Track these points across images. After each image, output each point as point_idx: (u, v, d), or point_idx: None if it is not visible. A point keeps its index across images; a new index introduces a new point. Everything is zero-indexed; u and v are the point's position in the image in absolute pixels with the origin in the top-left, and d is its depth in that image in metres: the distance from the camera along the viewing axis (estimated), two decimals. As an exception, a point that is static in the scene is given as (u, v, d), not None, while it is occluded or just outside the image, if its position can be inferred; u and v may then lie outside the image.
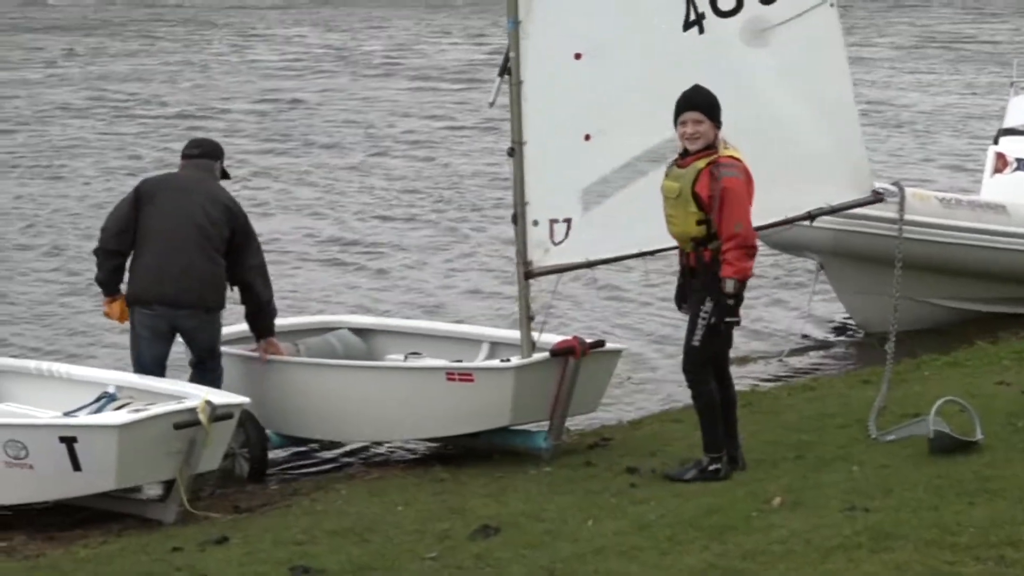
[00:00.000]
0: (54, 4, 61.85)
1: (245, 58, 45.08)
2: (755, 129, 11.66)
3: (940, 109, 35.34)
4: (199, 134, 30.21)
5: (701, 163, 10.70)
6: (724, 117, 11.04)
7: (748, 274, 10.74)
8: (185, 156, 12.58)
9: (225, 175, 12.63)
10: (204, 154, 12.51)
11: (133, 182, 25.62)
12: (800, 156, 11.95)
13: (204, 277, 12.02)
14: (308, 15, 58.02)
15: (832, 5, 11.89)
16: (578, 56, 11.74)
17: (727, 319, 10.76)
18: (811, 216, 12.29)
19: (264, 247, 12.65)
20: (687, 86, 10.91)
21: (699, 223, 10.72)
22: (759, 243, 17.31)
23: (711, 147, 10.73)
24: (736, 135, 11.28)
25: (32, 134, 32.08)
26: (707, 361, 10.98)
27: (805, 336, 17.84)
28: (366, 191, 26.40)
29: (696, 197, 10.67)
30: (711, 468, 10.94)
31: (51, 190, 26.41)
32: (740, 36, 11.75)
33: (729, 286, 10.66)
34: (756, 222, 11.74)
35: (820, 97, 12.01)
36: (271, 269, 12.66)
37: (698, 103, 10.79)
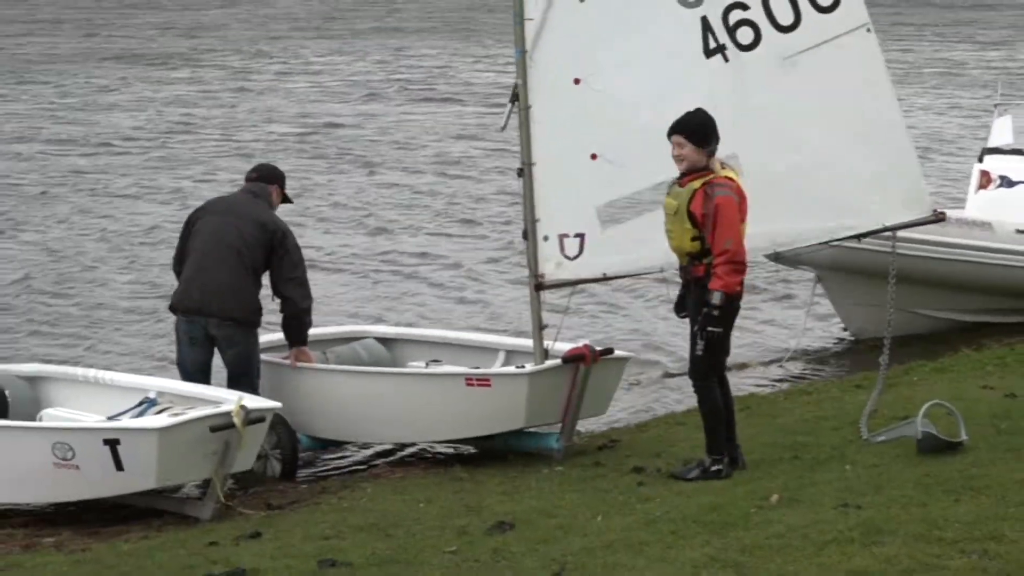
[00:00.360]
0: (109, 35, 62.24)
1: (287, 84, 45.30)
2: (793, 153, 11.59)
3: (936, 130, 35.38)
4: (244, 154, 31.25)
5: (697, 183, 10.69)
6: (759, 142, 11.20)
7: (734, 289, 10.68)
8: (246, 179, 12.69)
9: (286, 199, 12.68)
10: (260, 178, 12.58)
11: (185, 197, 26.26)
12: (843, 178, 11.64)
13: (229, 290, 12.04)
14: (345, 44, 58.24)
15: (869, 30, 11.54)
16: (577, 81, 11.72)
17: (709, 328, 10.71)
18: (859, 237, 12.11)
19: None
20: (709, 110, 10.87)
21: (693, 239, 10.73)
22: (762, 257, 17.64)
23: (706, 168, 10.70)
24: (773, 159, 11.36)
25: (98, 155, 32.34)
26: (710, 369, 10.95)
27: (802, 344, 17.81)
28: (396, 207, 26.49)
29: (691, 215, 10.67)
30: (713, 468, 10.91)
31: (115, 207, 26.67)
32: (767, 65, 11.58)
33: (715, 298, 10.63)
34: (805, 242, 11.94)
35: (862, 120, 11.68)
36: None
37: (681, 127, 10.79)
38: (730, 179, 10.71)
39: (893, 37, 58.86)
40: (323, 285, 16.56)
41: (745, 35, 11.57)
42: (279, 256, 12.13)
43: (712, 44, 11.57)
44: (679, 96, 11.21)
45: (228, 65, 50.77)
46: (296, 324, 12.35)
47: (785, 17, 11.54)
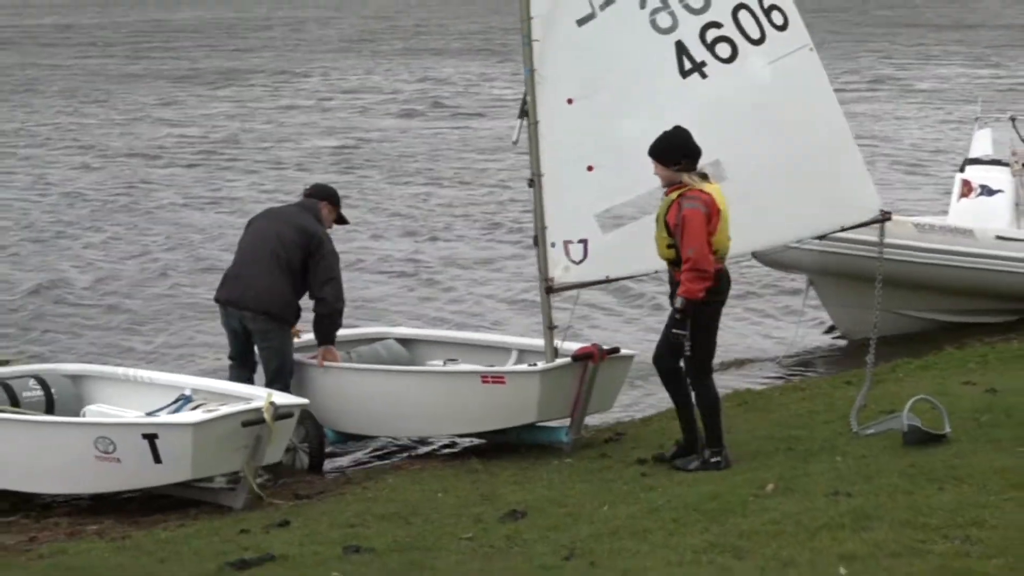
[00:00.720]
0: (160, 57, 62.57)
1: (323, 102, 45.47)
2: (761, 161, 11.64)
3: (928, 141, 35.36)
4: (284, 166, 31.82)
5: (674, 195, 10.78)
6: (731, 151, 11.29)
7: (696, 295, 10.65)
8: (303, 193, 12.88)
9: (342, 220, 12.84)
10: (313, 194, 12.75)
11: (239, 204, 26.41)
12: (804, 183, 11.72)
13: (263, 286, 12.18)
14: (375, 64, 58.36)
15: (811, 49, 11.72)
16: (570, 101, 11.76)
17: (673, 331, 10.76)
18: (822, 236, 12.29)
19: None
20: (685, 124, 10.93)
21: (669, 247, 10.80)
22: (757, 261, 17.59)
23: (681, 183, 10.74)
24: (740, 168, 11.37)
25: (155, 167, 32.64)
26: (704, 366, 10.92)
27: (796, 343, 17.75)
28: (420, 214, 26.53)
29: (666, 224, 10.71)
30: (712, 460, 10.88)
31: (174, 214, 26.86)
32: (743, 77, 11.65)
33: (677, 303, 10.70)
34: (763, 243, 11.87)
35: (813, 130, 11.79)
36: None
37: (650, 150, 10.90)
38: (704, 192, 10.71)
39: (883, 56, 58.86)
40: (351, 286, 16.58)
41: (723, 50, 11.65)
42: (315, 260, 12.22)
43: (688, 65, 11.64)
44: (661, 115, 11.25)
45: (268, 84, 51.01)
46: (327, 323, 12.38)
47: (753, 31, 11.65)
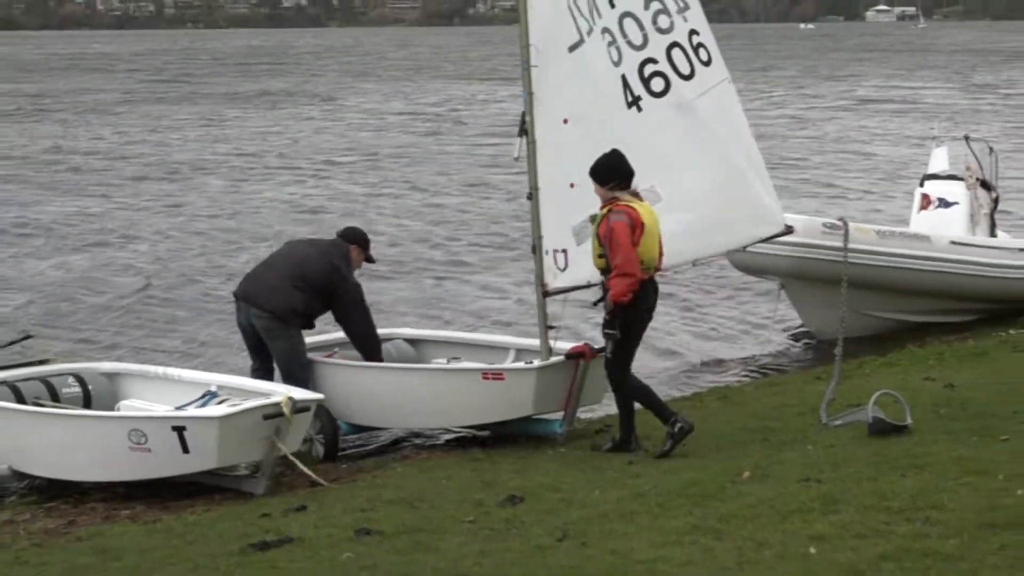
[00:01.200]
0: (202, 81, 62.76)
1: (347, 120, 45.62)
2: (690, 184, 11.87)
3: (896, 157, 35.42)
4: (305, 175, 32.03)
5: (604, 210, 10.97)
6: (666, 176, 11.59)
7: (621, 298, 10.83)
8: (336, 234, 12.88)
9: (370, 259, 12.82)
10: (343, 236, 12.76)
11: (272, 212, 26.53)
12: (727, 202, 11.99)
13: (272, 286, 12.20)
14: (395, 89, 58.47)
15: (729, 81, 12.06)
16: (566, 121, 11.81)
17: (606, 330, 10.97)
18: (744, 248, 12.64)
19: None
20: (630, 151, 11.17)
21: (600, 256, 10.99)
22: (732, 268, 17.55)
23: (614, 199, 10.94)
24: (674, 190, 11.65)
25: (195, 177, 32.91)
26: (620, 366, 11.07)
27: (770, 342, 17.74)
28: (431, 222, 26.54)
29: (598, 237, 10.90)
30: (676, 429, 10.99)
31: (211, 222, 27.01)
32: (672, 110, 11.85)
33: (607, 306, 10.88)
34: (694, 256, 12.06)
35: (735, 154, 12.05)
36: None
37: (590, 169, 11.09)
38: (630, 207, 10.89)
39: (855, 76, 58.97)
40: (365, 288, 16.66)
41: (657, 84, 11.88)
42: (339, 295, 12.25)
43: (630, 97, 11.83)
44: (613, 140, 11.43)
45: (302, 104, 51.22)
46: (369, 354, 12.48)
47: (684, 67, 11.92)
